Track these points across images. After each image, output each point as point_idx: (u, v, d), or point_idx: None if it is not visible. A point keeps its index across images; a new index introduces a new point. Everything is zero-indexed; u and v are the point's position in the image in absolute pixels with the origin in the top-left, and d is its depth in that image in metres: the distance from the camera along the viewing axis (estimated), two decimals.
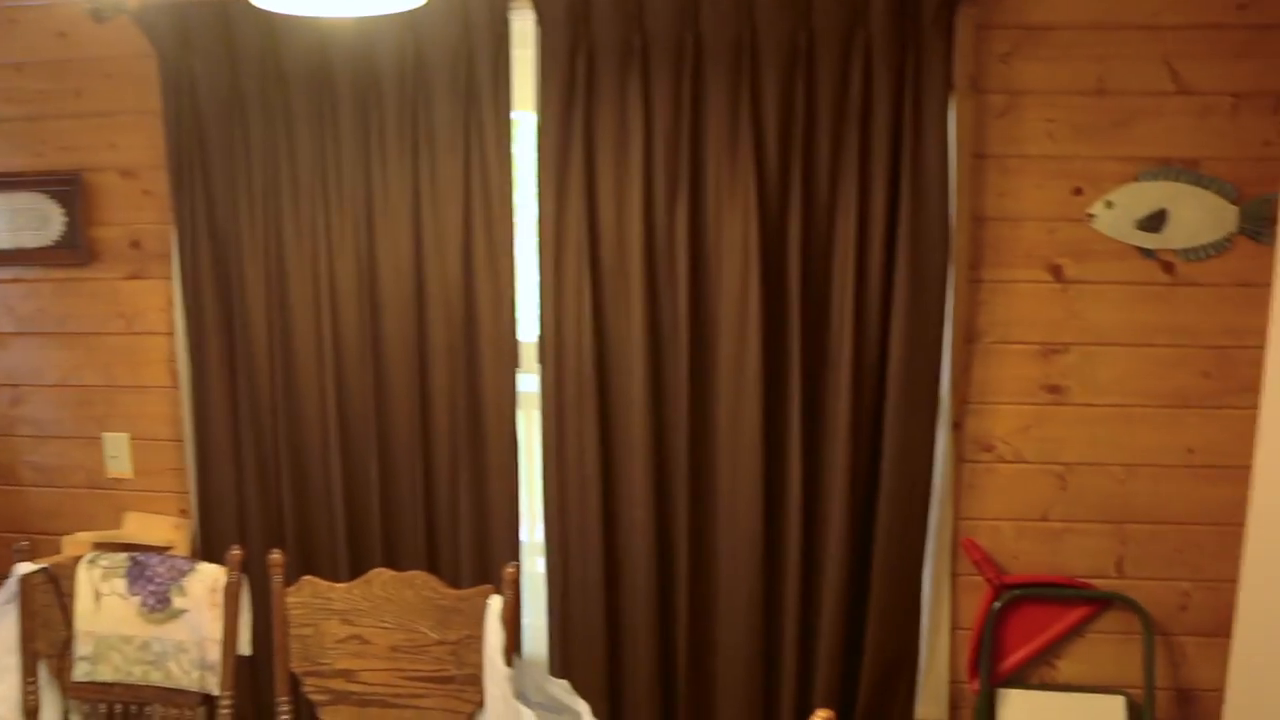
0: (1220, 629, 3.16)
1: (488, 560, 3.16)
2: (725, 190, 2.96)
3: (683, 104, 2.92)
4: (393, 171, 3.03)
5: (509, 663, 2.68)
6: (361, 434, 3.14)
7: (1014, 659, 3.21)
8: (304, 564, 3.19)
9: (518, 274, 3.06)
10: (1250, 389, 3.06)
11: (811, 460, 3.04)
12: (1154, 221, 3.02)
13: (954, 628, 3.23)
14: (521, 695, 2.84)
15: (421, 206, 3.04)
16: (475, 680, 2.72)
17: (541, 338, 3.05)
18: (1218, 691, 3.18)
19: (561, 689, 2.89)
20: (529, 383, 3.16)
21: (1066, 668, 3.24)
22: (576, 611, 3.14)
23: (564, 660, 3.17)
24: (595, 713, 3.14)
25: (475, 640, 2.72)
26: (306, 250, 3.10)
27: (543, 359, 3.06)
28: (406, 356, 3.09)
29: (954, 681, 3.26)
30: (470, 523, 3.14)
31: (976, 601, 3.20)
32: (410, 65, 2.99)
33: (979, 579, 3.18)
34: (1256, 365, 3.03)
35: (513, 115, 3.01)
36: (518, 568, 2.71)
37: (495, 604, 2.70)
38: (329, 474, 3.15)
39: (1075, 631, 3.21)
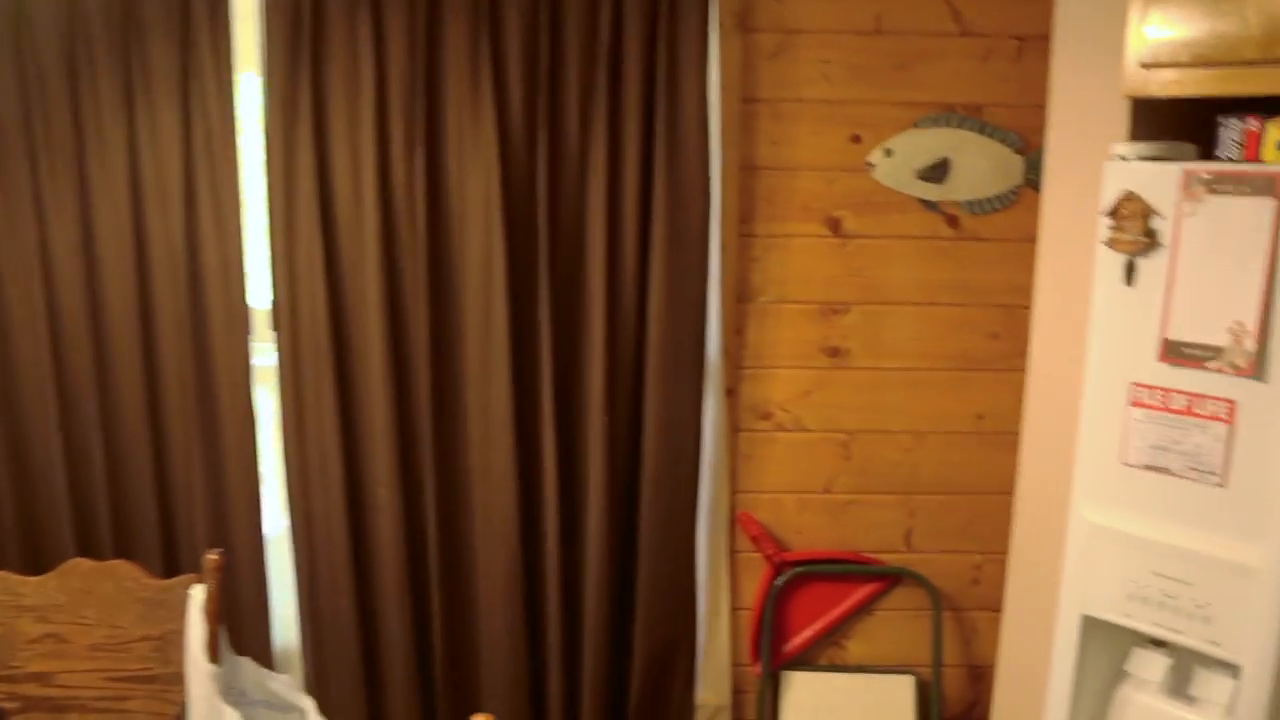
0: None
1: (229, 548, 2.90)
2: (467, 141, 2.69)
3: (418, 47, 2.63)
4: (107, 119, 2.73)
5: (215, 659, 2.43)
6: (83, 411, 2.85)
7: (799, 639, 3.00)
8: (29, 557, 2.91)
9: (246, 235, 2.78)
10: None
11: (567, 432, 2.80)
12: (936, 171, 2.79)
13: (734, 608, 3.01)
14: (240, 693, 2.60)
15: (140, 160, 2.75)
16: (179, 679, 2.47)
17: (274, 303, 2.78)
18: None
19: (283, 685, 2.64)
20: (266, 354, 2.89)
21: (855, 647, 3.03)
22: (325, 599, 2.89)
23: (314, 650, 2.92)
24: (349, 707, 2.91)
25: (179, 635, 2.47)
26: (13, 208, 2.80)
27: (277, 325, 2.79)
28: (129, 324, 2.79)
29: (736, 665, 3.04)
30: (207, 508, 2.87)
31: (757, 580, 2.99)
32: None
33: (759, 556, 2.96)
34: None
35: (234, 57, 2.72)
36: (221, 554, 2.45)
37: (197, 595, 2.43)
38: (49, 457, 2.87)
39: (864, 609, 3.01)
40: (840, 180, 2.80)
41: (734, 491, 2.94)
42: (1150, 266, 2.01)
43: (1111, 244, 2.04)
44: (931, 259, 2.83)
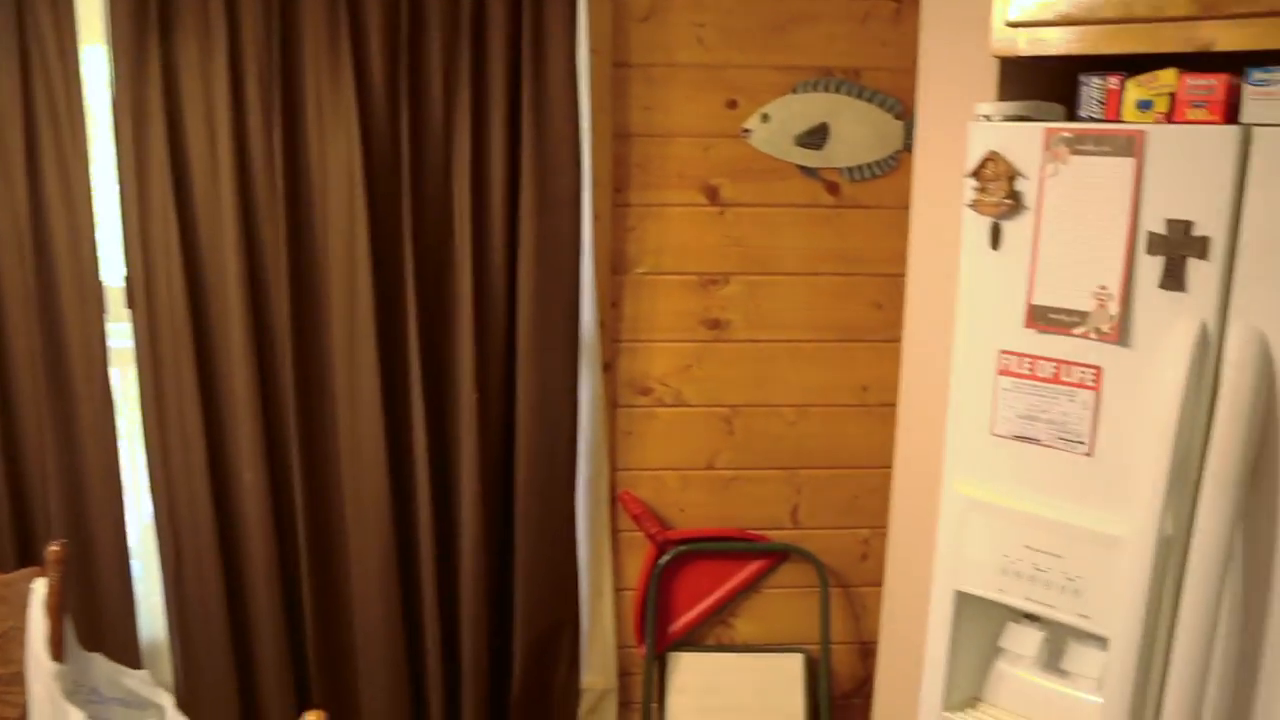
0: None
1: (90, 538, 2.73)
2: (327, 109, 2.54)
3: (273, 13, 2.47)
4: None
5: (58, 656, 2.28)
6: None
7: (685, 619, 2.90)
8: None
9: (97, 209, 2.60)
10: None
11: (438, 410, 2.67)
12: (815, 137, 2.68)
13: (618, 589, 2.90)
14: (92, 691, 2.45)
15: None
16: (20, 679, 2.31)
17: (128, 279, 2.61)
18: None
19: (140, 681, 2.50)
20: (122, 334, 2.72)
21: (744, 626, 2.94)
22: (191, 587, 2.73)
23: (183, 641, 2.76)
24: (220, 699, 2.77)
25: (21, 632, 2.31)
26: None
27: (132, 303, 2.62)
28: None
29: (622, 647, 2.93)
30: (65, 497, 2.70)
31: (641, 560, 2.88)
32: None
33: (642, 535, 2.85)
34: None
35: (78, 24, 2.53)
36: (64, 545, 2.29)
37: (39, 589, 2.28)
38: None
39: (751, 587, 2.91)
40: (717, 147, 2.68)
41: (614, 469, 2.82)
42: (1016, 230, 1.92)
43: (976, 206, 1.95)
44: (812, 227, 2.72)
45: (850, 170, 2.70)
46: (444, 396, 2.67)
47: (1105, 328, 1.82)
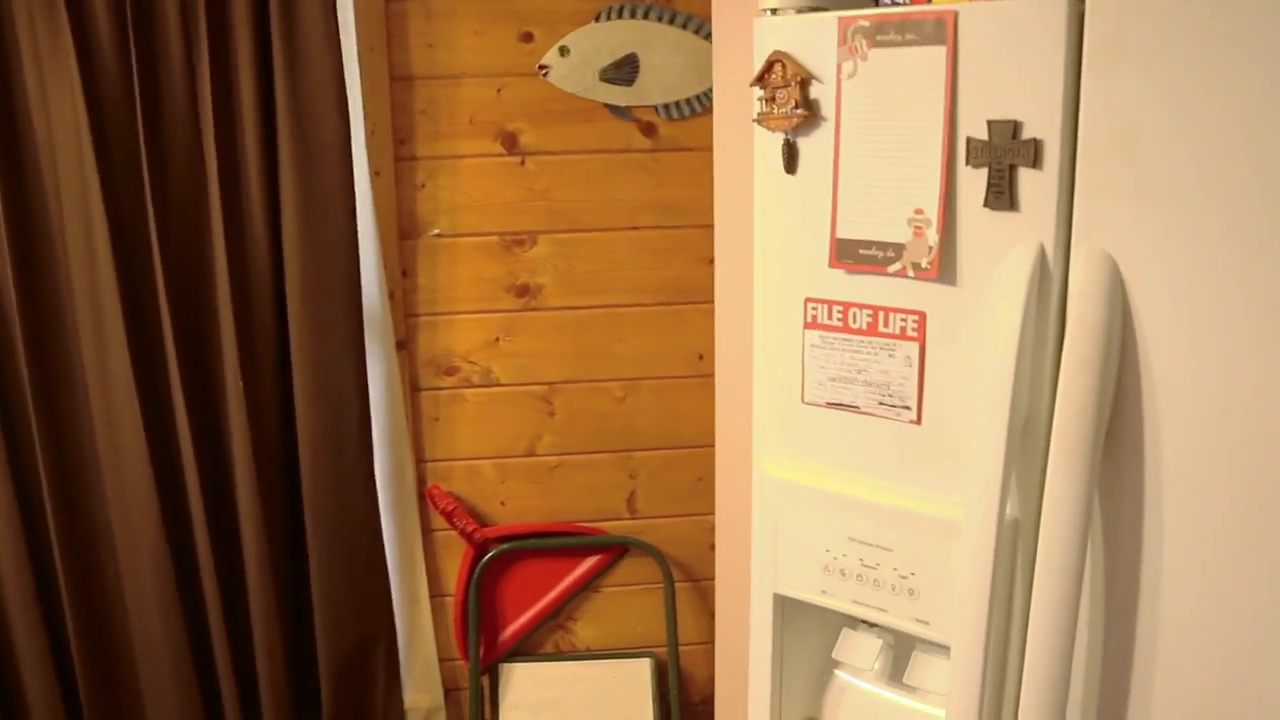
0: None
1: None
2: (45, 54, 2.05)
3: None
4: None
5: None
6: None
7: (515, 626, 2.46)
8: None
9: None
10: None
11: (203, 401, 2.20)
12: (623, 71, 2.23)
13: (435, 595, 2.45)
14: None
15: None
16: None
17: None
18: None
19: None
20: None
21: (584, 630, 2.50)
22: None
23: None
24: None
25: None
26: None
27: None
28: None
29: (447, 660, 2.49)
30: None
31: (459, 562, 2.43)
32: None
33: (458, 534, 2.40)
34: None
35: None
36: None
37: None
38: None
39: (588, 587, 2.47)
40: (512, 87, 2.23)
41: (420, 460, 2.37)
42: (813, 147, 1.48)
43: (763, 121, 1.51)
44: (628, 175, 2.28)
45: (666, 107, 2.25)
46: (208, 380, 2.20)
47: (924, 262, 1.40)
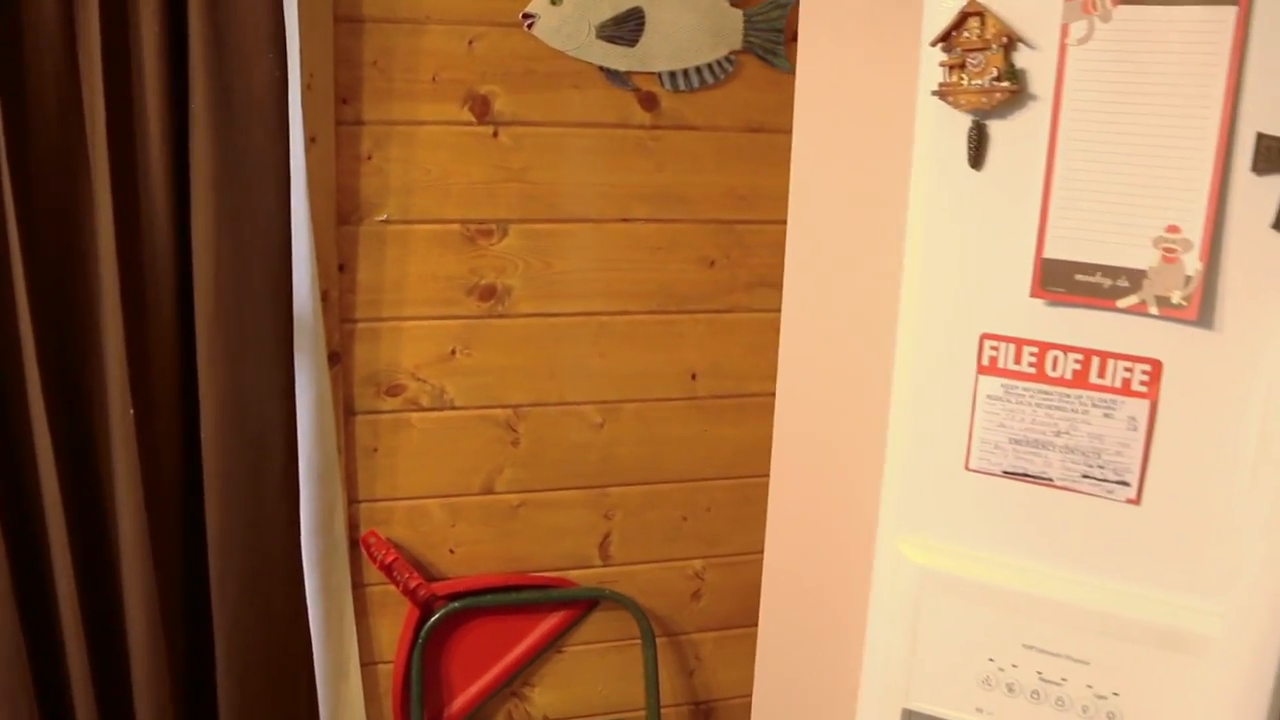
0: (742, 616, 2.08)
1: None
2: None
3: None
4: None
5: None
6: None
7: (465, 697, 1.98)
8: None
9: None
10: (767, 282, 1.93)
11: (74, 440, 1.64)
12: (626, 28, 1.79)
13: (372, 663, 1.95)
14: None
15: None
16: None
17: None
18: (740, 699, 2.11)
19: None
20: None
21: (542, 698, 2.05)
22: None
23: None
24: None
25: None
26: None
27: None
28: None
29: None
30: None
31: (398, 623, 1.94)
32: None
33: (398, 590, 1.92)
34: (776, 247, 1.91)
35: None
36: None
37: None
38: None
39: (551, 646, 2.03)
40: (488, 39, 1.75)
41: (352, 501, 1.86)
42: (1012, 134, 1.09)
43: (948, 95, 1.11)
44: (621, 156, 1.84)
45: (672, 76, 1.82)
46: (83, 417, 1.63)
47: (1177, 297, 1.03)
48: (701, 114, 1.84)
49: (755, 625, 2.00)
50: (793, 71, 1.84)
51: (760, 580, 2.00)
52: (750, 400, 1.96)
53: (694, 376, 1.94)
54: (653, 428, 1.95)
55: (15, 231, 1.51)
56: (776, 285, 1.91)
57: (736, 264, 1.90)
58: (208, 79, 1.54)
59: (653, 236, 1.87)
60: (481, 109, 1.76)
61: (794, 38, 1.83)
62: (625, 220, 1.85)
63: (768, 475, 1.94)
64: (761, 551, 1.99)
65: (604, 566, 1.99)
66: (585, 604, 1.99)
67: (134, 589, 1.65)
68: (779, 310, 1.88)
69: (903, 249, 1.32)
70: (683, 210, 1.87)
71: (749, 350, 1.94)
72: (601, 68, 1.78)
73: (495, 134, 1.77)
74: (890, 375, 1.36)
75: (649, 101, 1.82)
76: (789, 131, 1.80)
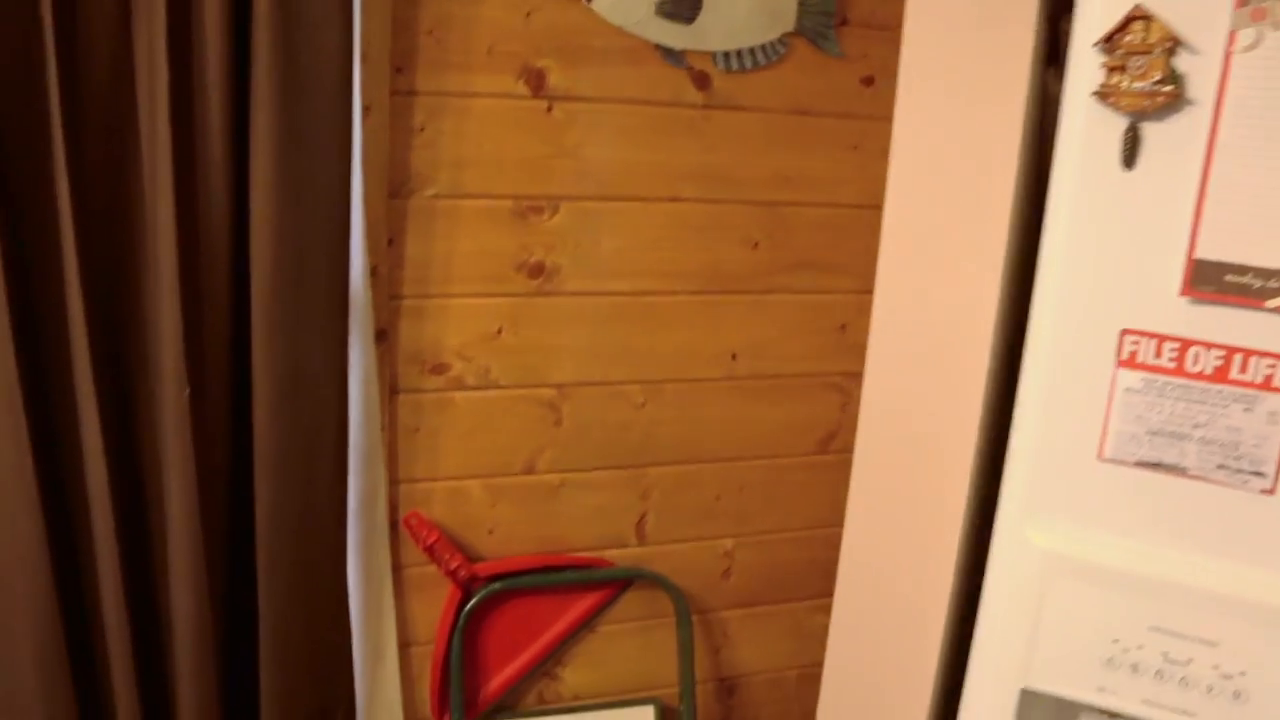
0: (765, 594, 2.10)
1: None
2: None
3: None
4: None
5: None
6: None
7: (501, 678, 1.96)
8: None
9: None
10: (808, 264, 1.94)
11: (122, 420, 1.57)
12: (685, 5, 1.77)
13: (407, 645, 1.92)
14: None
15: None
16: None
17: None
18: (763, 674, 2.14)
19: None
20: None
21: (574, 677, 2.04)
22: None
23: None
24: None
25: None
26: None
27: None
28: None
29: None
30: None
31: (437, 605, 1.92)
32: None
33: (438, 571, 1.89)
34: (818, 229, 1.91)
35: None
36: None
37: None
38: None
39: (586, 626, 2.03)
40: (545, 11, 1.71)
41: (394, 482, 1.82)
42: (1168, 136, 1.12)
43: (1108, 97, 1.13)
44: (673, 135, 1.82)
45: (725, 56, 1.81)
46: (133, 398, 1.56)
47: None
48: (751, 95, 1.83)
49: (781, 602, 2.04)
50: (841, 55, 1.85)
51: (783, 559, 2.03)
52: (788, 381, 1.97)
53: (734, 357, 1.94)
54: (690, 407, 1.94)
55: (68, 203, 1.43)
56: (818, 267, 1.93)
57: (779, 245, 1.91)
58: (273, 46, 1.47)
59: (699, 216, 1.86)
60: (537, 83, 1.72)
61: (843, 22, 1.84)
62: (673, 200, 1.84)
63: (800, 455, 1.97)
64: (790, 530, 2.02)
65: (639, 546, 1.99)
66: (621, 584, 1.99)
67: (180, 571, 1.59)
68: (819, 292, 1.90)
69: (1004, 236, 1.35)
70: (729, 191, 1.86)
71: (789, 331, 1.95)
72: (659, 45, 1.76)
73: (550, 109, 1.74)
74: (984, 362, 1.39)
75: (702, 81, 1.80)
76: (835, 115, 1.82)
